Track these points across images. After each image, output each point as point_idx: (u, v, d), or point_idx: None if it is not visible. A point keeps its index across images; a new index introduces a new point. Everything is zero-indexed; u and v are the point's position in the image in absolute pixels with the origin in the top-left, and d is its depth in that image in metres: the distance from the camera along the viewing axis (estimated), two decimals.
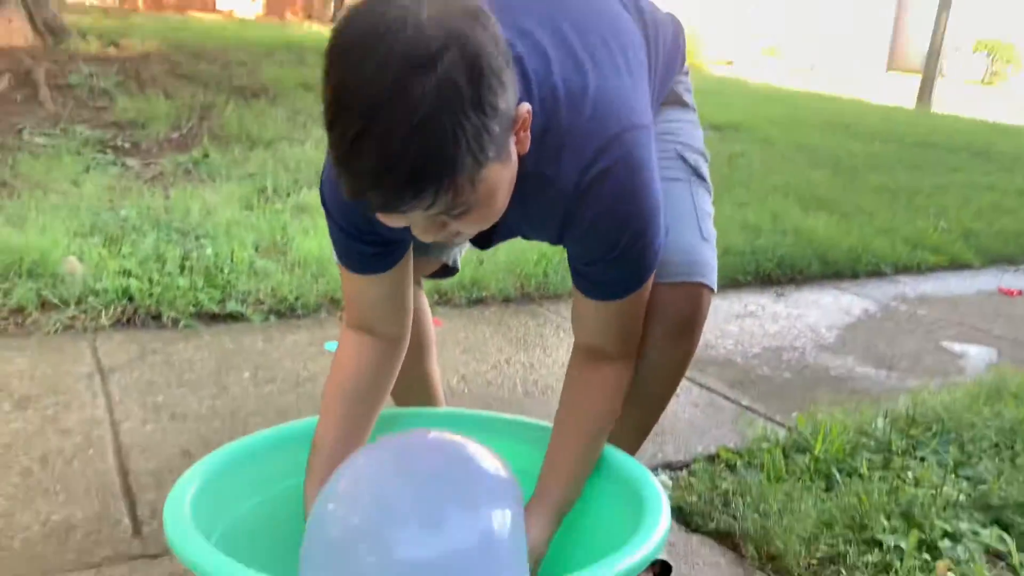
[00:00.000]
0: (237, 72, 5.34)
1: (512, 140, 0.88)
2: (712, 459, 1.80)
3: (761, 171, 5.07)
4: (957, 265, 4.15)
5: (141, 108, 4.27)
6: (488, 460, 1.03)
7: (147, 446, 1.64)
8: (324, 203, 1.08)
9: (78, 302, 2.32)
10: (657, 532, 0.96)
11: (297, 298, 2.55)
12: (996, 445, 1.82)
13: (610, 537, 1.04)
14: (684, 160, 1.28)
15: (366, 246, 1.08)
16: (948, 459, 1.75)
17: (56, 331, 2.20)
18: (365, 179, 0.79)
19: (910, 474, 1.65)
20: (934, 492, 1.57)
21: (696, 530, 1.49)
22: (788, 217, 4.15)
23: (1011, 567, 1.41)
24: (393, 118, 0.75)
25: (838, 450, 1.71)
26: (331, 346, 2.29)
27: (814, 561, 1.36)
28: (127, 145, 3.82)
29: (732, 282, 3.42)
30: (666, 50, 1.27)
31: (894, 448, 1.77)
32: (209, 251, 2.69)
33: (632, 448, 1.35)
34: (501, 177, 0.87)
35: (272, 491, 1.16)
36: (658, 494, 1.05)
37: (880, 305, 3.32)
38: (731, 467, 1.72)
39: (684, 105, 1.36)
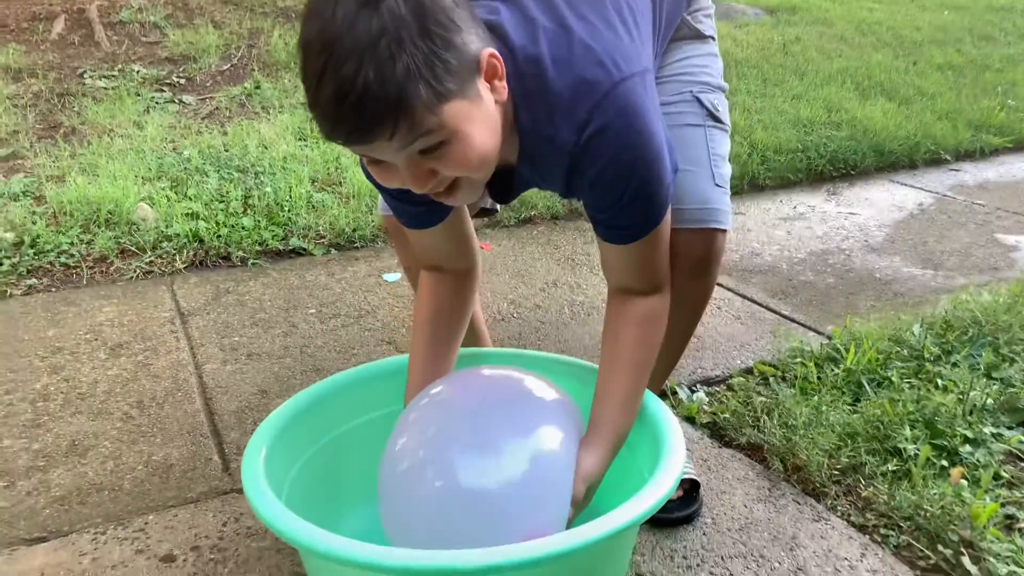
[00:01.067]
0: None
1: (480, 82, 0.92)
2: (749, 373, 1.89)
3: (817, 58, 4.89)
4: (1023, 146, 4.02)
5: (191, 40, 4.36)
6: (544, 391, 1.13)
7: (228, 386, 1.82)
8: (366, 174, 1.14)
9: (153, 247, 2.51)
10: (668, 476, 1.04)
11: (355, 230, 2.68)
12: None
13: (630, 475, 1.16)
14: (700, 103, 1.31)
15: (414, 206, 1.17)
16: (981, 363, 1.80)
17: (136, 277, 2.39)
18: (328, 114, 0.85)
19: (940, 381, 1.71)
20: (961, 397, 1.64)
21: (728, 444, 1.61)
22: (844, 108, 4.05)
23: None
24: (344, 51, 0.82)
25: (870, 360, 1.78)
26: (389, 277, 2.43)
27: (835, 471, 1.46)
28: (182, 81, 3.94)
29: (783, 181, 3.41)
30: None
31: (927, 355, 1.83)
32: (269, 189, 2.83)
33: (660, 378, 1.46)
34: (471, 115, 0.91)
35: (337, 432, 1.32)
36: (674, 430, 1.14)
37: (936, 197, 3.27)
38: (766, 381, 1.82)
39: (701, 37, 1.36)
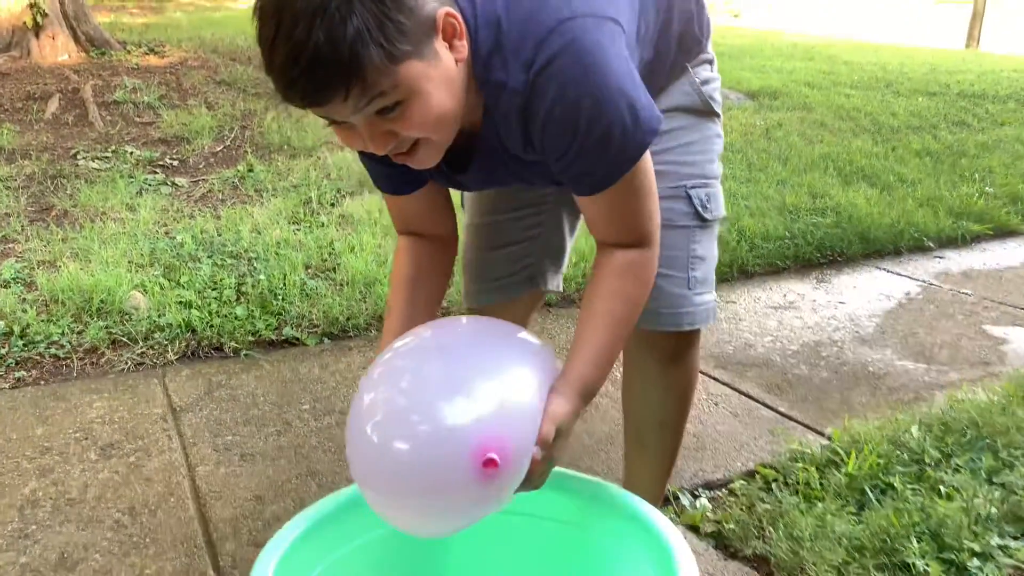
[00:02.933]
0: None
1: (438, 42, 0.93)
2: (751, 475, 1.88)
3: (799, 143, 5.03)
4: (1003, 233, 4.10)
5: (185, 122, 4.41)
6: (516, 336, 1.12)
7: (222, 491, 1.78)
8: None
9: (145, 338, 2.48)
10: None
11: (348, 319, 2.67)
12: None
13: None
14: (690, 199, 1.30)
15: (391, 168, 1.14)
16: (982, 468, 1.80)
17: (128, 369, 2.36)
18: (283, 78, 0.87)
19: (942, 488, 1.71)
20: (965, 506, 1.63)
21: (734, 556, 1.58)
22: (828, 194, 4.14)
23: None
24: (295, 15, 0.83)
25: (872, 466, 1.77)
26: None
27: None
28: (175, 163, 3.97)
29: (772, 268, 3.45)
30: (678, 10, 1.25)
31: (928, 459, 1.83)
32: (263, 276, 2.83)
33: (662, 479, 1.46)
34: (427, 75, 0.92)
35: (346, 549, 1.28)
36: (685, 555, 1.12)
37: (922, 286, 3.32)
38: (768, 485, 1.80)
39: (712, 114, 1.34)
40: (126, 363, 2.37)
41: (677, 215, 1.30)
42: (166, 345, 2.46)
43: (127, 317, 2.57)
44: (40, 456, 1.90)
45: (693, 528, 1.66)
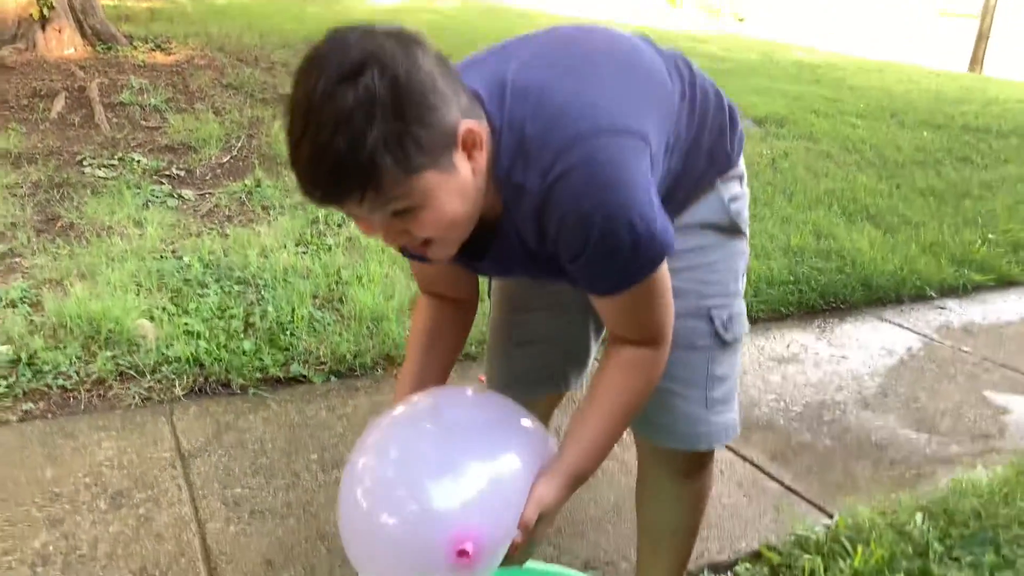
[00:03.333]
0: (280, 78, 5.40)
1: (456, 154, 0.97)
2: (756, 557, 1.90)
3: (805, 176, 5.05)
4: (1004, 282, 4.14)
5: (191, 128, 4.38)
6: (513, 418, 1.17)
7: (232, 554, 1.79)
8: None
9: (153, 371, 2.47)
10: None
11: (355, 356, 2.67)
12: None
13: None
14: (711, 320, 1.30)
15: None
16: (984, 563, 1.83)
17: (135, 404, 2.35)
18: (304, 175, 0.92)
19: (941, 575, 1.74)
20: None
21: None
22: (832, 234, 4.16)
23: None
24: (321, 120, 0.89)
25: (877, 560, 1.80)
26: None
27: None
28: (181, 173, 3.94)
29: (776, 314, 3.47)
30: (711, 122, 1.24)
31: (932, 553, 1.85)
32: (270, 308, 2.82)
33: (671, 570, 1.51)
34: (442, 186, 0.96)
35: None
36: None
37: (923, 341, 3.35)
38: (775, 572, 1.82)
39: (736, 232, 1.33)
40: (133, 397, 2.37)
41: (697, 335, 1.30)
42: (173, 380, 2.45)
43: (135, 347, 2.56)
44: (50, 504, 1.90)
45: None
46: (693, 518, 1.47)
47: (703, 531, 1.97)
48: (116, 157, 3.96)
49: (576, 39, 1.18)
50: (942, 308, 3.77)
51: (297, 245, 3.41)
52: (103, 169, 3.83)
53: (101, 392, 2.39)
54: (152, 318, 2.71)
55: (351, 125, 0.88)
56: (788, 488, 2.22)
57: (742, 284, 1.38)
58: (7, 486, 1.94)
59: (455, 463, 1.06)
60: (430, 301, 1.33)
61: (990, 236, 4.50)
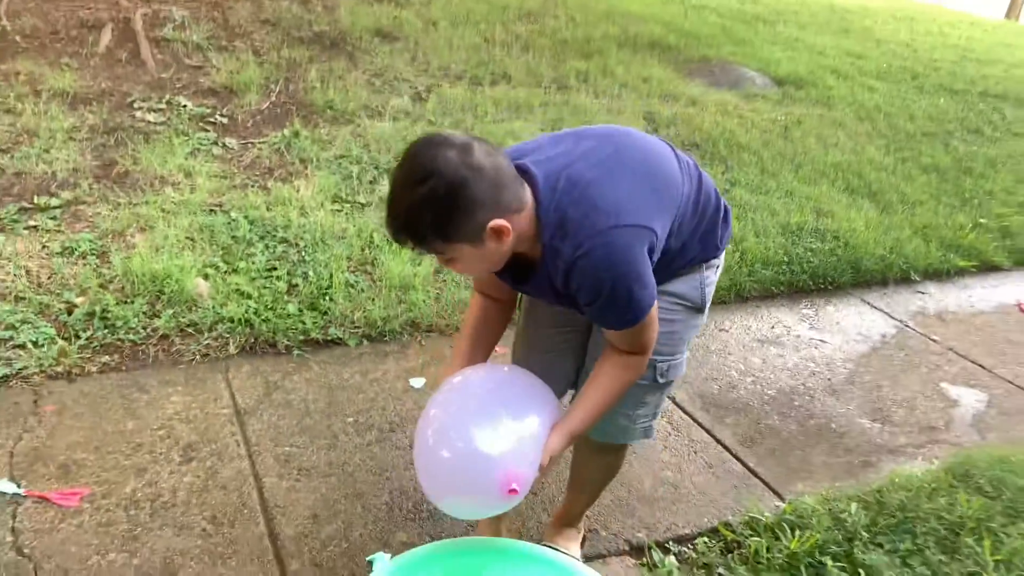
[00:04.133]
0: (316, 15, 5.55)
1: (487, 237, 1.42)
2: (714, 532, 2.29)
3: (815, 147, 5.25)
4: (987, 268, 4.43)
5: (233, 69, 4.60)
6: (536, 387, 1.67)
7: (285, 507, 2.19)
8: None
9: (210, 329, 2.84)
10: None
11: (385, 321, 3.03)
12: (943, 539, 2.28)
13: None
14: (655, 368, 1.76)
15: None
16: (900, 550, 2.22)
17: (195, 360, 2.72)
18: (386, 220, 1.43)
19: (862, 571, 2.12)
20: None
21: None
22: (832, 212, 4.42)
23: None
24: (401, 197, 1.39)
25: (811, 544, 2.19)
26: (415, 383, 2.78)
27: None
28: (224, 120, 4.21)
29: (766, 293, 3.79)
30: (708, 219, 1.68)
31: (858, 539, 2.24)
32: (311, 273, 3.16)
33: (581, 510, 2.14)
34: (471, 254, 1.45)
35: None
36: None
37: (898, 328, 3.67)
38: (727, 547, 2.22)
39: (700, 310, 1.77)
40: (193, 354, 2.74)
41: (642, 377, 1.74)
42: (227, 338, 2.82)
43: (193, 305, 2.92)
44: (134, 454, 2.29)
45: None
46: (603, 479, 2.08)
47: (674, 504, 2.38)
48: (164, 100, 4.22)
49: (621, 146, 1.58)
50: (922, 293, 4.07)
51: (333, 202, 3.72)
52: (152, 113, 4.11)
53: (165, 347, 2.77)
54: (206, 276, 3.06)
55: (414, 206, 1.37)
56: (751, 471, 2.60)
57: (687, 344, 1.82)
58: (98, 435, 2.34)
59: (496, 417, 1.56)
60: (481, 300, 1.80)
61: (982, 220, 4.75)
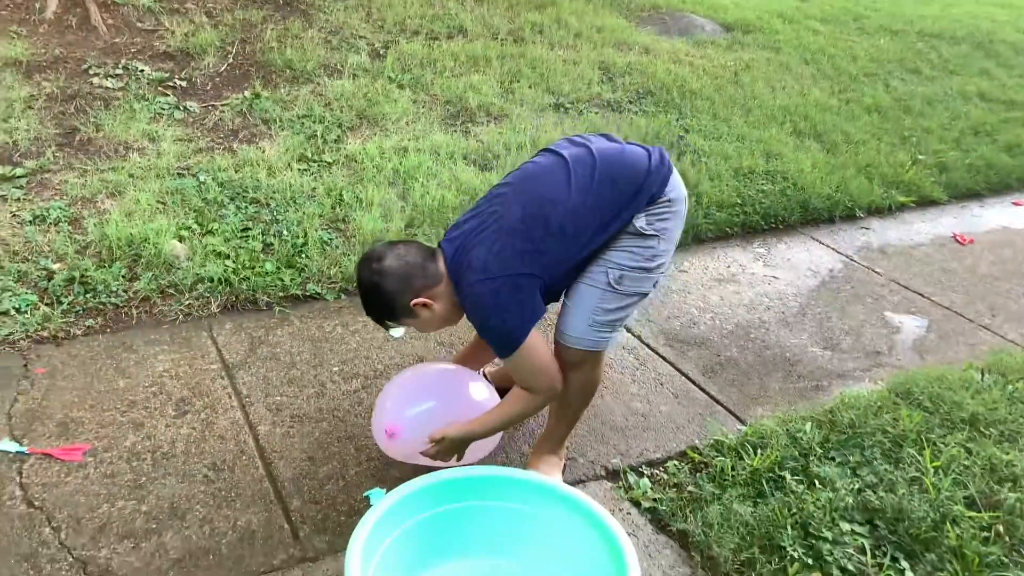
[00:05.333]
0: None
1: (417, 311, 2.03)
2: (683, 456, 2.48)
3: (763, 92, 5.41)
4: (925, 203, 4.67)
5: (187, 32, 4.57)
6: (467, 385, 2.28)
7: (282, 451, 2.31)
8: None
9: (190, 289, 2.91)
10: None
11: None
12: (888, 451, 2.50)
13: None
14: (607, 275, 2.05)
15: None
16: (850, 462, 2.44)
17: (178, 320, 2.81)
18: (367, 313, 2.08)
19: (817, 482, 2.34)
20: (831, 497, 2.27)
21: (663, 530, 2.21)
22: (781, 154, 4.61)
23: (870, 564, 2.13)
24: (362, 295, 2.07)
25: (771, 461, 2.39)
26: (395, 333, 2.90)
27: (738, 564, 2.08)
28: (184, 84, 4.20)
29: (722, 235, 3.98)
30: (617, 194, 2.01)
31: (813, 455, 2.45)
32: (285, 232, 3.24)
33: (565, 432, 2.33)
34: (421, 322, 2.09)
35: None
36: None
37: (844, 262, 3.89)
38: (696, 467, 2.41)
39: (640, 235, 2.02)
40: (176, 314, 2.82)
41: (594, 279, 2.06)
42: (208, 298, 2.90)
43: (171, 267, 2.98)
44: (129, 410, 2.39)
45: (636, 504, 2.27)
46: (579, 398, 2.25)
47: (644, 432, 2.57)
48: (120, 66, 4.19)
49: (508, 204, 2.03)
50: (866, 228, 4.30)
51: (299, 162, 3.78)
52: (110, 80, 4.08)
53: (148, 309, 2.84)
54: (182, 239, 3.12)
55: (366, 306, 2.09)
56: (714, 398, 2.79)
57: (642, 262, 2.05)
58: (92, 395, 2.42)
59: (409, 394, 2.26)
60: None
61: (920, 156, 4.98)
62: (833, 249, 4.02)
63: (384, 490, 2.17)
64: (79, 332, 2.69)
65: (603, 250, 2.04)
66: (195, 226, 3.20)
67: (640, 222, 2.02)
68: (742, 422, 2.68)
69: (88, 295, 2.82)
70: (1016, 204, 4.94)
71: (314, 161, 3.80)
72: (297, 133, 3.97)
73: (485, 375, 2.59)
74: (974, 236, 4.37)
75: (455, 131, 4.30)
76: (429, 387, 2.30)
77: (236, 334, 2.79)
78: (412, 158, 3.89)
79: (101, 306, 2.80)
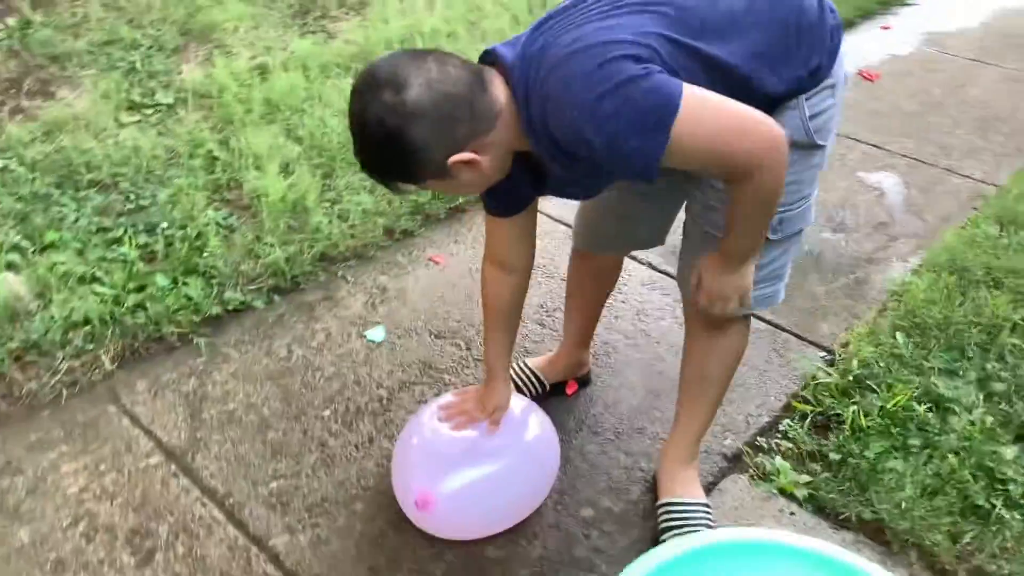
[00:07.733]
0: None
1: (455, 172, 1.24)
2: (789, 410, 2.03)
3: None
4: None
5: None
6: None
7: (329, 569, 1.58)
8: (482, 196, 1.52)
9: (61, 345, 1.96)
10: None
11: (290, 264, 2.29)
12: (985, 345, 2.22)
13: None
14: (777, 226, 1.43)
15: (505, 195, 1.49)
16: (972, 376, 2.11)
17: (61, 398, 1.88)
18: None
19: (956, 408, 1.99)
20: (978, 422, 1.94)
21: (844, 524, 1.75)
22: None
23: None
24: (357, 150, 1.26)
25: (908, 397, 2.00)
26: (374, 336, 2.15)
27: (958, 549, 1.70)
28: None
29: None
30: (782, 45, 1.28)
31: (926, 370, 2.10)
32: (163, 223, 2.28)
33: (709, 414, 1.75)
34: (454, 185, 1.29)
35: None
36: None
37: None
38: (814, 423, 1.98)
39: (808, 147, 1.37)
40: (54, 389, 1.89)
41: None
42: (92, 351, 1.97)
43: (13, 317, 1.99)
44: (53, 574, 1.53)
45: (789, 495, 1.81)
46: (726, 373, 1.69)
47: (731, 391, 2.05)
48: None
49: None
50: None
51: (128, 111, 2.72)
52: None
53: (3, 392, 1.88)
54: (11, 266, 2.09)
55: (370, 161, 1.26)
56: (774, 325, 2.34)
57: (809, 188, 1.45)
58: None
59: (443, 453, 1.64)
60: (494, 278, 1.62)
61: None
62: None
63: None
64: None
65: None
66: (24, 242, 2.16)
67: (811, 106, 1.34)
68: (817, 347, 2.27)
69: None
70: (884, 28, 4.82)
71: (149, 107, 2.76)
72: (107, 70, 2.85)
73: (526, 371, 1.97)
74: (875, 71, 4.18)
75: (312, 33, 3.33)
76: (461, 442, 1.64)
77: (157, 397, 1.92)
78: (280, 79, 2.93)
79: None
